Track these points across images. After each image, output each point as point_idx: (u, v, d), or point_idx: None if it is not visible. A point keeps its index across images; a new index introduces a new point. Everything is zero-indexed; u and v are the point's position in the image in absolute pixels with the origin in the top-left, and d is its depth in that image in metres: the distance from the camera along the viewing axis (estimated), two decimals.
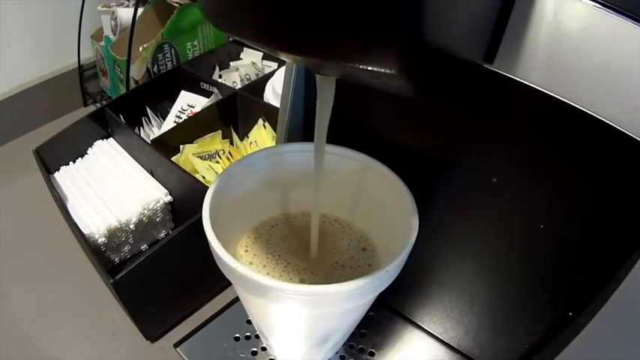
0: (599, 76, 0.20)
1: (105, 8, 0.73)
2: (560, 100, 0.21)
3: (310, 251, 0.29)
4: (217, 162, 0.52)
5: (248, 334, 0.37)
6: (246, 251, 0.29)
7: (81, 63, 0.77)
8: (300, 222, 0.31)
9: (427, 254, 0.30)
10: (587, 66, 0.20)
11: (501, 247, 0.28)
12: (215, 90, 0.57)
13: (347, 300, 0.22)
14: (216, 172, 0.50)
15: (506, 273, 0.29)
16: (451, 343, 0.35)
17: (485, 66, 0.22)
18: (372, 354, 0.35)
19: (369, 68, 0.14)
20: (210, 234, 0.23)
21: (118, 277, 0.37)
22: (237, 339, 0.36)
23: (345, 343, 0.34)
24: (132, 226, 0.46)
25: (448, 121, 0.26)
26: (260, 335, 0.35)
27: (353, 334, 0.33)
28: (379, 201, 0.28)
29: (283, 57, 0.18)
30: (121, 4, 0.74)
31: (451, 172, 0.28)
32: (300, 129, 0.33)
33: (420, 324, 0.36)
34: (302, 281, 0.27)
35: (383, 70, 0.14)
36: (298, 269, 0.28)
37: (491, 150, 0.25)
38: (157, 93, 0.60)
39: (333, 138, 0.29)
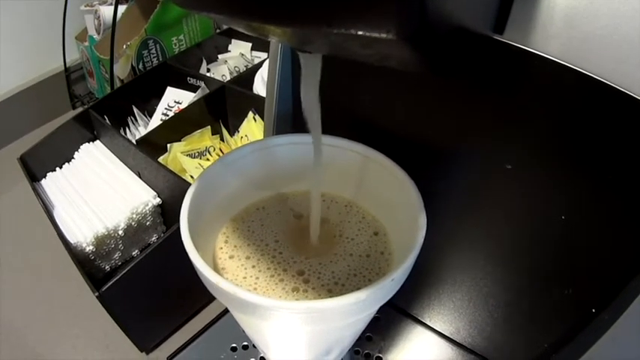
0: (628, 45, 0.17)
1: (88, 7, 0.71)
2: (583, 73, 0.18)
3: (310, 238, 0.25)
4: (207, 159, 0.50)
5: (245, 343, 0.34)
6: (226, 242, 0.25)
7: (67, 65, 0.75)
8: (293, 202, 0.27)
9: (437, 250, 0.27)
10: (614, 33, 0.17)
11: (518, 240, 0.25)
12: (202, 84, 0.55)
13: (349, 314, 0.19)
14: None
15: (523, 268, 0.26)
16: (464, 343, 0.32)
17: (495, 37, 0.19)
18: (379, 359, 0.33)
19: (361, 33, 0.11)
20: (189, 245, 0.21)
21: (103, 289, 0.34)
22: (234, 349, 0.34)
23: (349, 349, 0.32)
24: (120, 232, 0.44)
25: (455, 103, 0.23)
26: (257, 347, 0.32)
27: (358, 339, 0.31)
28: (383, 196, 0.25)
29: (252, 31, 0.15)
30: (104, 3, 0.71)
31: (460, 160, 0.25)
32: (289, 119, 0.31)
33: (430, 324, 0.33)
34: (300, 273, 0.24)
35: (379, 35, 0.11)
36: (294, 261, 0.24)
37: (504, 133, 0.22)
38: (143, 91, 0.58)
39: (329, 127, 0.26)
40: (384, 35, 0.11)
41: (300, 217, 0.27)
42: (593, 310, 0.23)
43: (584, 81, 0.18)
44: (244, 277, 0.23)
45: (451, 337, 0.33)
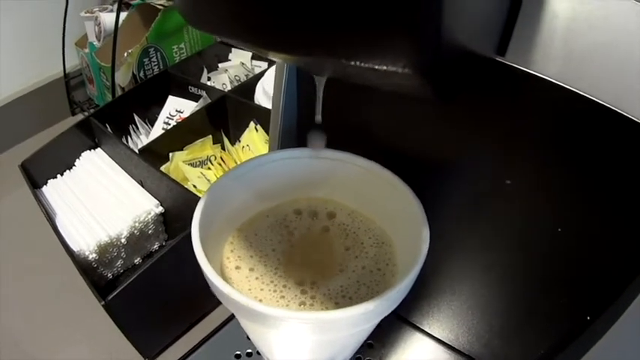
0: (623, 68, 0.18)
1: (88, 14, 0.71)
2: (579, 93, 0.19)
3: (317, 248, 0.25)
4: (209, 169, 0.50)
5: (249, 350, 0.35)
6: (232, 251, 0.26)
7: (66, 71, 0.75)
8: (300, 211, 0.28)
9: (438, 261, 0.28)
10: (611, 55, 0.18)
11: (516, 251, 0.26)
12: (203, 94, 0.55)
13: (356, 324, 0.20)
14: (208, 180, 0.48)
15: (520, 277, 0.27)
16: (462, 350, 0.33)
17: (498, 59, 0.20)
18: None
19: (378, 67, 0.12)
20: (202, 257, 0.21)
21: (109, 297, 0.35)
22: (238, 356, 0.35)
23: (352, 356, 0.33)
24: (123, 240, 0.45)
25: (457, 121, 0.24)
26: (261, 354, 0.33)
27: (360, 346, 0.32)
28: (387, 208, 0.26)
29: (275, 57, 0.16)
30: (104, 9, 0.72)
31: (461, 175, 0.26)
32: (293, 132, 0.31)
33: (429, 331, 0.34)
34: (304, 284, 0.24)
35: (396, 70, 0.12)
36: (300, 274, 0.24)
37: (504, 150, 0.23)
38: (145, 99, 0.58)
39: (333, 142, 0.27)
40: (400, 70, 0.12)
41: (307, 226, 0.28)
42: (588, 318, 0.24)
43: (580, 101, 0.19)
44: (249, 289, 0.24)
45: (450, 343, 0.34)
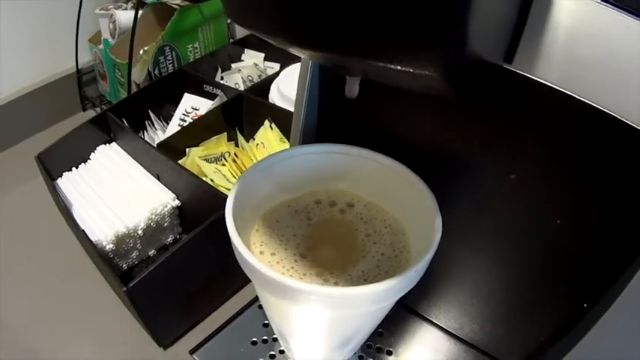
0: (617, 76, 0.20)
1: (103, 11, 0.72)
2: (577, 98, 0.21)
3: (336, 238, 0.27)
4: (223, 165, 0.52)
5: (265, 337, 0.36)
6: (258, 238, 0.28)
7: (79, 67, 0.76)
8: (320, 202, 0.30)
9: (444, 252, 0.30)
10: (607, 66, 0.20)
11: (518, 243, 0.28)
12: (219, 92, 0.57)
13: (375, 301, 0.22)
14: (224, 175, 0.50)
15: (522, 268, 0.29)
16: (467, 339, 0.35)
17: (505, 66, 0.22)
18: (389, 353, 0.35)
19: (412, 70, 0.14)
20: (236, 238, 0.23)
21: (131, 284, 0.36)
22: (254, 343, 0.36)
23: (363, 343, 0.34)
24: (140, 232, 0.46)
25: (468, 122, 0.26)
26: (279, 337, 0.35)
27: (371, 334, 0.33)
28: (403, 200, 0.28)
29: (312, 57, 0.18)
30: (119, 7, 0.73)
31: (470, 171, 0.28)
32: (314, 130, 0.33)
33: (436, 321, 0.36)
34: (324, 271, 0.26)
35: (426, 72, 0.14)
36: (321, 260, 0.26)
37: (511, 148, 0.25)
38: (160, 96, 0.60)
39: (350, 139, 0.29)
40: (427, 72, 0.14)
41: (326, 214, 0.29)
42: (585, 305, 0.26)
43: (578, 105, 0.21)
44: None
45: (455, 332, 0.35)
